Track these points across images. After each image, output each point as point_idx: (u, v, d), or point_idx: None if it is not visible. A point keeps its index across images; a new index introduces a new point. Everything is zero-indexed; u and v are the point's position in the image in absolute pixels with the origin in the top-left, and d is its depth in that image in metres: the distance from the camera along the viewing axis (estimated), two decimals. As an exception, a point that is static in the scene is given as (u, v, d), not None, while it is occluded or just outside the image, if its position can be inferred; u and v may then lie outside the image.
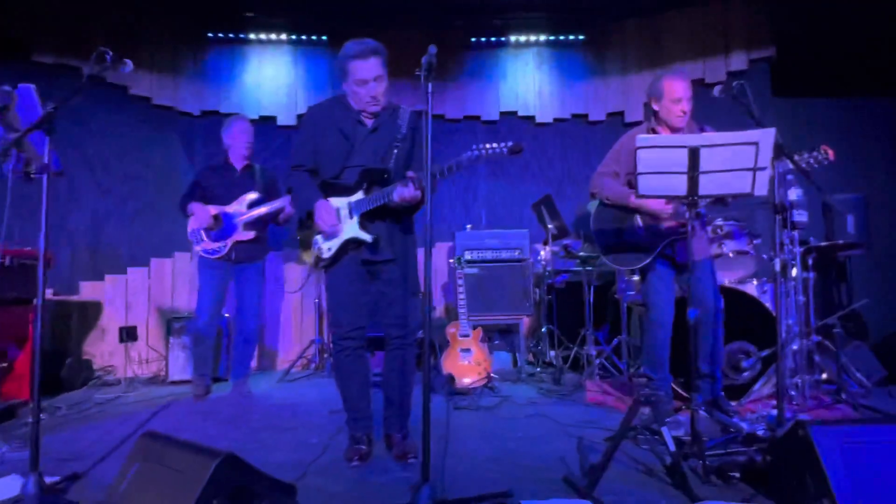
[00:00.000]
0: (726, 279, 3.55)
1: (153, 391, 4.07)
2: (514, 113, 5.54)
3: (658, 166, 2.43)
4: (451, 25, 5.38)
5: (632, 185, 3.03)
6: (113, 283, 4.84)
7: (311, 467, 2.36)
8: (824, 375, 3.52)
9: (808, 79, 4.99)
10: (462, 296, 4.18)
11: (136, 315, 4.85)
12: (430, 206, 1.97)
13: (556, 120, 5.53)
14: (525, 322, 4.63)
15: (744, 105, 2.53)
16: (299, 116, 5.38)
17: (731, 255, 3.49)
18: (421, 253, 2.60)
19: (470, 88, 5.52)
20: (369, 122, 2.48)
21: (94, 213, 5.00)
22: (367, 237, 2.40)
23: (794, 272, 3.48)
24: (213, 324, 3.96)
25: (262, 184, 3.96)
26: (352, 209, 2.42)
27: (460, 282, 4.22)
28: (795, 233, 3.44)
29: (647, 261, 2.99)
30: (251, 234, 3.85)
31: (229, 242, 3.84)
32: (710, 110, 3.54)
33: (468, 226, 4.87)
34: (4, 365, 3.55)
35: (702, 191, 2.41)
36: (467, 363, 3.96)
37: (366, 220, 2.42)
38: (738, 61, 5.17)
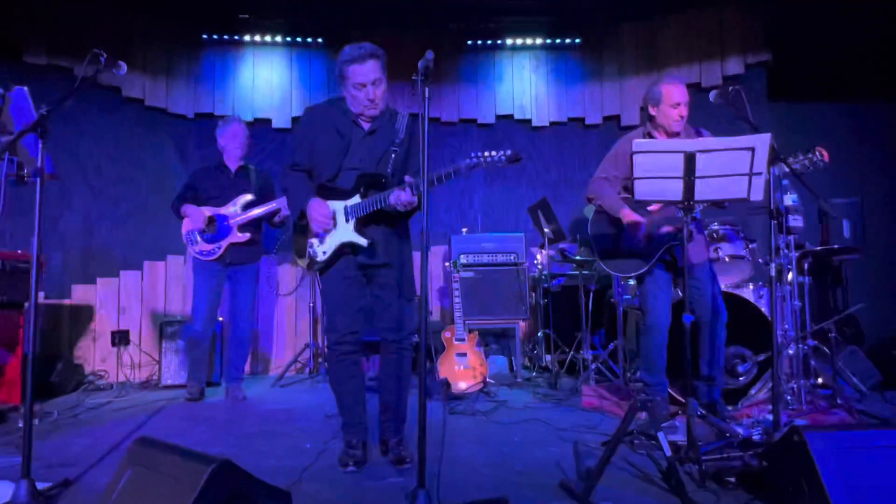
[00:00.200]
0: (723, 284, 3.56)
1: (146, 396, 4.06)
2: (511, 116, 5.55)
3: (654, 171, 2.45)
4: (447, 28, 5.40)
5: (628, 189, 3.06)
6: (105, 287, 4.83)
7: (306, 473, 2.35)
8: (820, 380, 3.55)
9: (804, 83, 5.03)
10: (458, 300, 4.18)
11: (129, 319, 4.84)
12: (426, 210, 1.98)
13: (552, 123, 5.55)
14: (521, 326, 4.63)
15: (740, 110, 2.56)
16: (294, 119, 5.38)
17: (727, 259, 3.51)
18: (417, 257, 2.60)
19: (466, 92, 5.54)
20: (367, 125, 2.49)
21: (86, 215, 4.99)
22: (362, 241, 2.40)
23: (789, 277, 3.50)
24: (208, 328, 3.96)
25: (256, 185, 3.96)
26: (348, 213, 2.42)
27: (456, 286, 4.22)
28: (791, 237, 3.46)
29: (645, 268, 3.01)
30: (246, 236, 3.85)
31: (224, 244, 3.84)
32: (706, 114, 3.57)
33: (464, 229, 4.88)
34: (-5, 369, 3.54)
35: (698, 196, 2.43)
36: (463, 368, 3.96)
37: (362, 224, 2.42)
38: (735, 65, 5.20)
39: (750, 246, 3.55)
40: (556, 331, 4.58)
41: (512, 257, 4.60)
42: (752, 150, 2.33)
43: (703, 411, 2.58)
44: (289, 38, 5.44)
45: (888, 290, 4.84)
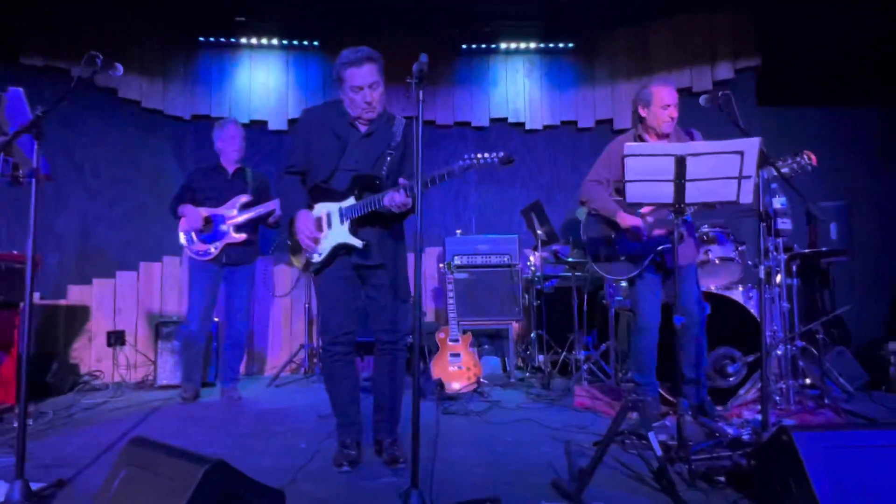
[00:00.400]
0: (712, 285, 3.59)
1: (141, 396, 4.03)
2: (505, 119, 5.56)
3: (646, 174, 2.46)
4: (442, 32, 5.39)
5: (620, 191, 3.06)
6: (101, 287, 4.80)
7: (301, 473, 2.34)
8: (808, 380, 3.56)
9: (793, 88, 5.06)
10: (452, 301, 4.18)
11: (125, 319, 4.81)
12: (420, 211, 1.98)
13: (545, 127, 5.56)
14: (514, 327, 4.64)
15: (729, 115, 2.57)
16: (290, 121, 5.36)
17: (716, 261, 3.52)
18: (411, 258, 2.60)
19: (460, 95, 5.54)
20: (364, 128, 2.49)
21: (82, 216, 4.96)
22: (357, 243, 2.40)
23: (778, 279, 3.52)
24: (204, 328, 3.94)
25: (253, 187, 3.95)
26: (343, 214, 2.42)
27: (450, 287, 4.22)
28: (780, 240, 3.48)
29: (637, 271, 3.02)
30: (242, 237, 3.84)
31: (220, 245, 3.83)
32: (696, 117, 3.58)
33: (458, 231, 4.88)
34: (-10, 369, 3.51)
35: (688, 198, 2.44)
36: (457, 368, 3.96)
37: (356, 225, 2.42)
38: (724, 70, 5.23)
39: (739, 248, 3.56)
40: (549, 332, 4.58)
41: (505, 259, 4.60)
42: (742, 153, 2.34)
43: (693, 411, 2.59)
44: (285, 41, 5.43)
45: (875, 291, 4.87)
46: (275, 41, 5.41)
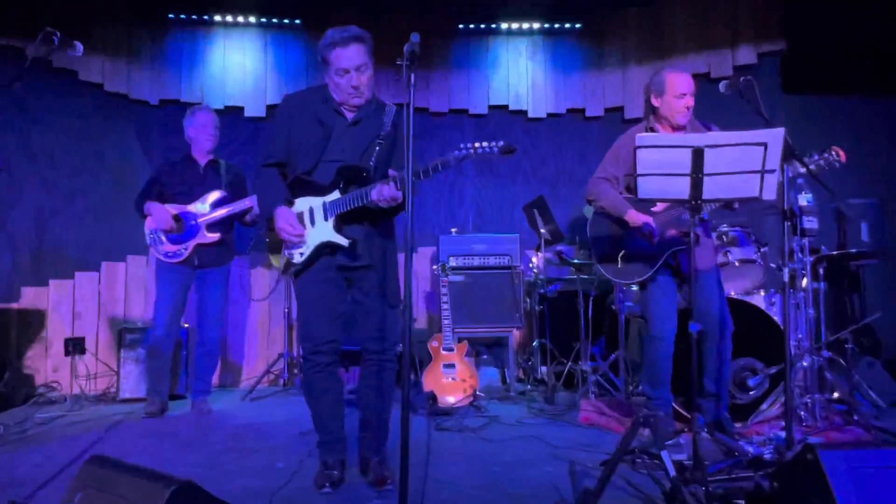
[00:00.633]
0: (732, 290, 3.60)
1: (102, 410, 4.02)
2: (505, 107, 5.56)
3: (659, 167, 2.46)
4: (437, 10, 5.39)
5: (631, 188, 3.07)
6: (58, 289, 4.77)
7: (278, 495, 2.34)
8: (836, 394, 3.58)
9: (822, 74, 5.06)
10: (446, 306, 4.18)
11: (85, 325, 4.78)
12: (410, 207, 1.97)
13: (550, 115, 5.56)
14: (515, 335, 4.65)
15: (751, 102, 2.58)
16: (269, 108, 5.35)
17: (736, 263, 3.54)
18: (401, 259, 2.59)
19: (457, 80, 5.53)
20: (350, 115, 2.49)
21: (38, 211, 4.93)
22: (342, 241, 2.40)
23: (804, 283, 3.54)
24: (171, 335, 3.93)
25: (227, 180, 3.95)
26: (327, 210, 2.42)
27: (444, 290, 4.22)
28: (806, 240, 3.49)
29: (648, 274, 3.03)
30: (215, 237, 3.84)
31: (191, 245, 3.82)
32: (714, 107, 3.59)
33: (453, 229, 4.89)
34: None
35: (706, 195, 2.44)
36: (451, 380, 3.97)
37: (342, 222, 2.42)
38: (746, 55, 5.24)
39: (761, 249, 3.58)
40: (553, 340, 4.59)
41: (505, 260, 4.61)
42: (765, 145, 2.34)
43: (710, 428, 2.60)
44: (263, 19, 5.40)
45: (909, 297, 4.89)
46: (252, 19, 5.39)
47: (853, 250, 4.09)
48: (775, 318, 3.36)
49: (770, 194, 2.41)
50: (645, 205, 3.00)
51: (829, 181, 2.73)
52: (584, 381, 4.22)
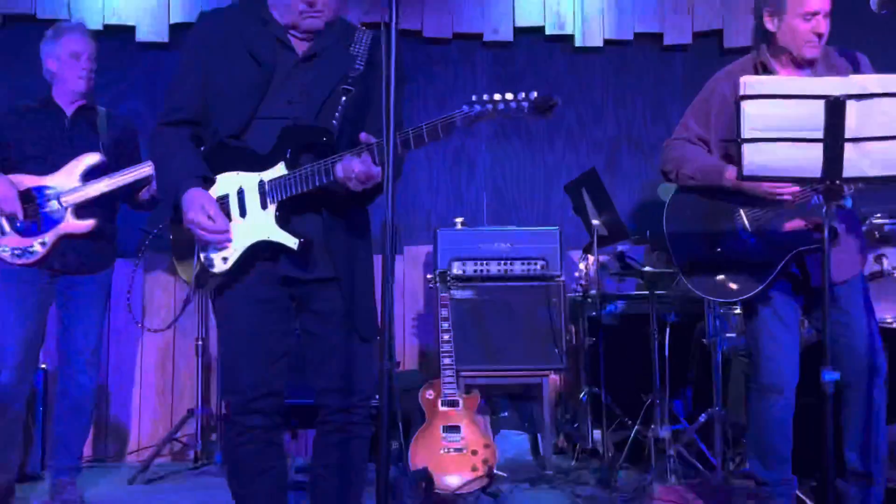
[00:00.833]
0: (888, 314, 3.60)
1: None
2: (541, 30, 5.57)
3: (776, 127, 2.47)
4: None
5: (731, 157, 3.07)
6: None
7: None
8: None
9: None
10: (447, 337, 4.18)
11: None
12: (389, 190, 1.97)
13: (609, 43, 5.56)
14: (553, 382, 4.65)
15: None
16: (174, 28, 5.35)
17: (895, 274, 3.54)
18: (378, 266, 2.59)
19: (465, -11, 5.56)
20: (302, 46, 2.49)
21: None
22: (289, 241, 2.40)
23: None
24: (22, 379, 3.91)
25: (109, 138, 3.96)
26: (266, 193, 2.42)
27: (444, 313, 4.22)
28: None
29: (759, 288, 3.04)
30: (88, 225, 3.82)
31: (50, 239, 3.80)
32: (864, 33, 3.59)
33: (458, 220, 4.89)
34: None
35: (848, 171, 2.44)
36: (455, 451, 3.97)
37: (289, 212, 2.42)
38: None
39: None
40: (612, 390, 4.57)
41: (538, 267, 4.61)
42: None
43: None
44: None
45: None
46: None
47: None
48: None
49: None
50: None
51: None
52: (661, 453, 4.20)
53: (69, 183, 3.84)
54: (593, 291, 4.65)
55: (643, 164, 5.49)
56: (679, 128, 3.24)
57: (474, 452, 3.98)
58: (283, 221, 2.41)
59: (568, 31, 5.57)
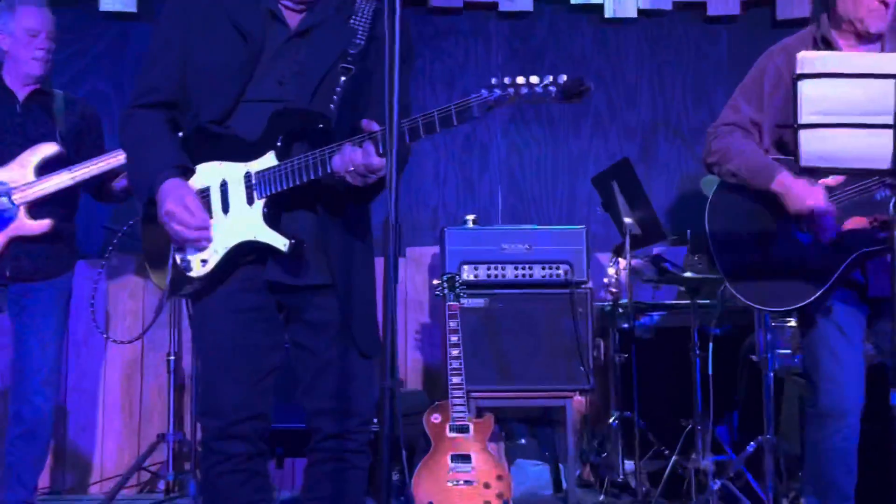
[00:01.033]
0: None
1: None
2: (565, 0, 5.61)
3: (838, 112, 2.48)
4: None
5: (783, 144, 3.08)
6: None
7: None
8: None
9: None
10: (456, 352, 4.19)
11: None
12: (393, 183, 1.98)
13: (643, 14, 5.58)
14: (577, 404, 4.66)
15: None
16: (144, -2, 5.39)
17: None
18: (379, 270, 2.59)
19: (478, -49, 5.57)
20: (295, 18, 2.49)
21: None
22: (279, 242, 2.40)
23: None
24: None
25: (67, 127, 3.98)
26: (252, 186, 2.43)
27: (453, 325, 4.23)
28: None
29: (816, 295, 3.04)
30: (43, 226, 3.83)
31: (0, 242, 3.83)
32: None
33: (469, 217, 4.91)
34: None
35: (922, 162, 2.45)
36: (464, 484, 3.98)
37: (280, 208, 2.43)
38: None
39: None
40: (646, 415, 4.60)
41: (561, 272, 4.62)
42: None
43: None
44: None
45: None
46: None
47: None
48: None
49: None
50: (808, 175, 2.99)
51: None
52: (702, 487, 4.22)
53: (22, 177, 3.84)
54: (625, 300, 4.66)
55: (683, 154, 5.50)
56: (727, 110, 3.23)
57: (486, 485, 3.98)
58: (271, 219, 2.41)
59: (597, -1, 5.61)
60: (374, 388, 2.50)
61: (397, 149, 2.00)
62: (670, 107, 5.62)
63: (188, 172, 2.47)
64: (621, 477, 4.60)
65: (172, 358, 4.86)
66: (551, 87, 2.12)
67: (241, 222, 2.44)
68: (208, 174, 2.47)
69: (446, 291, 4.31)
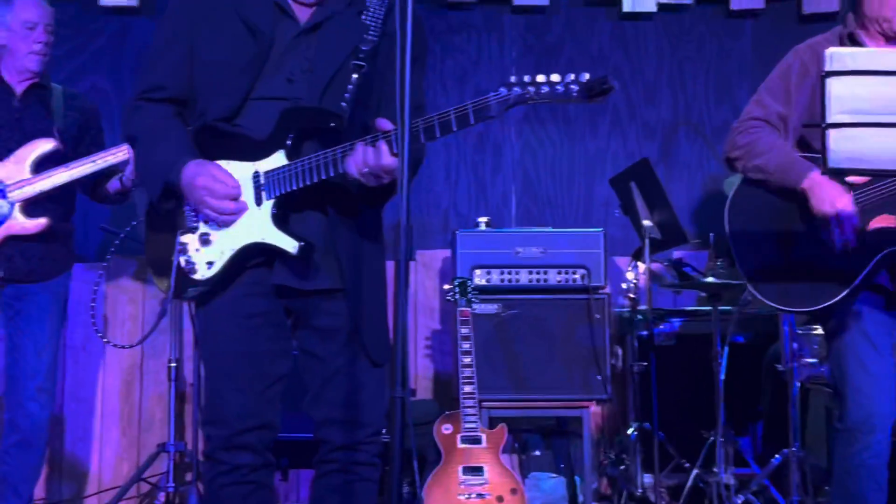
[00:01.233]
0: None
1: None
2: (581, -8, 5.60)
3: (868, 111, 2.47)
4: None
5: (807, 144, 3.07)
6: None
7: None
8: None
9: None
10: (468, 360, 4.19)
11: None
12: (404, 186, 1.98)
13: (664, 7, 5.58)
14: (594, 414, 4.66)
15: None
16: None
17: None
18: (390, 274, 2.59)
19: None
20: (305, 13, 2.49)
21: None
22: (287, 244, 2.40)
23: None
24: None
25: (66, 122, 3.99)
26: (262, 187, 2.43)
27: (464, 331, 4.24)
28: None
29: (842, 294, 3.02)
30: (39, 225, 3.84)
31: (-7, 241, 3.84)
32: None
33: (482, 219, 4.90)
34: None
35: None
36: (476, 497, 3.98)
37: (289, 209, 2.43)
38: None
39: None
40: (666, 426, 4.58)
41: (578, 276, 4.62)
42: None
43: None
44: None
45: None
46: None
47: None
48: None
49: None
50: (836, 176, 2.97)
51: None
52: (724, 502, 4.20)
53: (17, 174, 3.85)
54: (644, 306, 4.65)
55: (705, 154, 5.49)
56: (751, 106, 3.21)
57: (500, 499, 3.98)
58: (280, 221, 2.41)
59: (615, -8, 5.60)
60: (384, 397, 2.50)
61: (412, 148, 2.00)
62: (691, 105, 5.62)
63: None
64: (640, 491, 4.58)
65: (174, 365, 4.83)
66: (573, 86, 2.11)
67: (249, 223, 2.44)
68: None
69: (458, 297, 4.31)
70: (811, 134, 2.70)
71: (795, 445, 4.08)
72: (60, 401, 4.88)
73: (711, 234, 4.69)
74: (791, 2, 5.52)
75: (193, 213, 2.47)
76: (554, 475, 4.80)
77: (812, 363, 4.10)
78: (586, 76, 2.10)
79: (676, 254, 4.65)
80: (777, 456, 4.19)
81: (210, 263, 2.45)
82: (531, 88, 2.13)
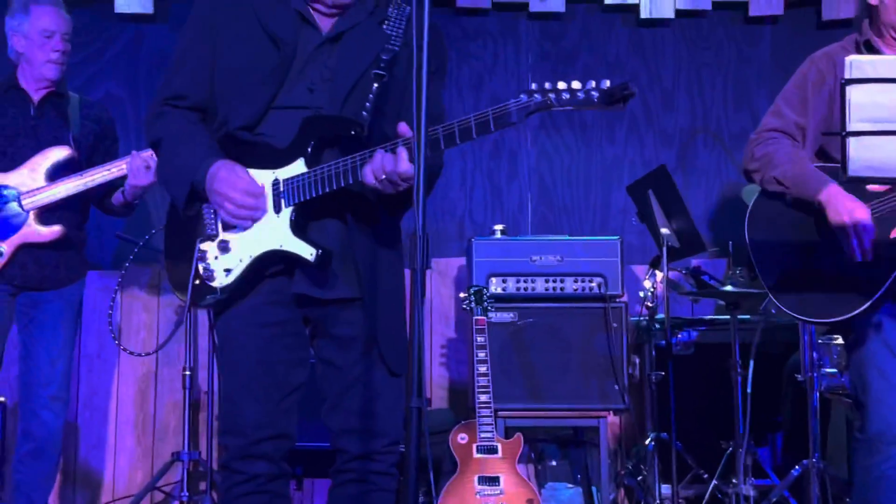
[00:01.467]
0: None
1: None
2: (599, 0, 5.61)
3: (887, 118, 2.47)
4: None
5: (826, 154, 3.07)
6: None
7: None
8: None
9: None
10: (484, 369, 4.19)
11: None
12: (420, 194, 1.99)
13: (682, 14, 5.57)
14: (611, 425, 4.65)
15: None
16: (161, -1, 5.42)
17: None
18: (408, 284, 2.59)
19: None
20: (326, 23, 2.50)
21: None
22: (305, 251, 2.40)
23: None
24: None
25: (81, 131, 4.01)
26: (282, 194, 2.43)
27: (480, 339, 4.23)
28: None
29: (864, 306, 3.01)
30: (53, 232, 3.86)
31: (8, 248, 3.84)
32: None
33: (498, 227, 4.89)
34: None
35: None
36: (492, 507, 4.00)
37: (308, 217, 2.43)
38: None
39: None
40: (684, 436, 4.58)
41: (594, 284, 4.61)
42: None
43: None
44: None
45: None
46: None
47: None
48: None
49: None
50: (855, 185, 2.96)
51: None
52: (744, 512, 4.21)
53: (32, 182, 3.87)
54: (661, 315, 4.64)
55: (723, 161, 5.48)
56: (769, 117, 3.21)
57: (516, 509, 4.00)
58: (298, 228, 2.41)
59: (632, -1, 5.62)
60: (401, 407, 2.44)
61: (430, 156, 2.01)
62: (710, 111, 5.61)
63: None
64: (658, 502, 4.57)
65: (188, 373, 4.81)
66: (594, 93, 2.10)
67: (267, 231, 2.44)
68: None
69: (473, 305, 4.31)
70: (829, 142, 2.70)
71: (815, 456, 4.07)
72: (74, 409, 4.90)
73: (730, 242, 4.69)
74: (810, 8, 5.51)
75: (213, 219, 2.48)
76: (571, 485, 4.78)
77: (832, 373, 4.10)
78: (607, 83, 2.09)
79: (694, 262, 4.65)
80: (797, 467, 4.19)
81: (228, 271, 2.45)
82: (552, 96, 2.13)
